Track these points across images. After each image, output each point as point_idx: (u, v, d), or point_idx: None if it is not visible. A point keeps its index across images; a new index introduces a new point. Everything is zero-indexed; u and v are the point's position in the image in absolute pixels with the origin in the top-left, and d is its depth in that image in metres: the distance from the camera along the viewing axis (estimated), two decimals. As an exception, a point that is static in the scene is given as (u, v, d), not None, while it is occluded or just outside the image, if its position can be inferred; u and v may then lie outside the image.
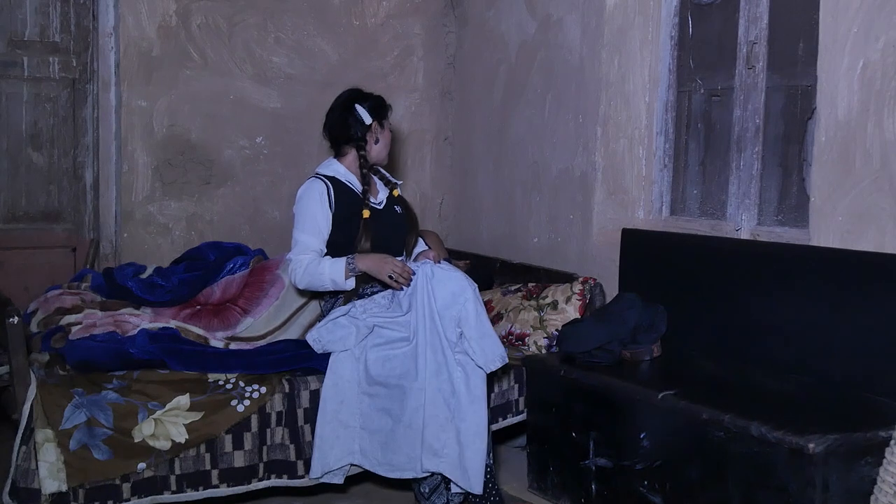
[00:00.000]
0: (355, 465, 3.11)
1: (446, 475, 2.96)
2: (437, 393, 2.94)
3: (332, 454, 3.04)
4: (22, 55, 4.31)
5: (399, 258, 3.21)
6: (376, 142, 3.30)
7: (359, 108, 3.26)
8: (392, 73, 4.90)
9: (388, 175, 3.47)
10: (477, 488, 2.95)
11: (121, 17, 4.32)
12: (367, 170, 3.27)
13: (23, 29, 4.32)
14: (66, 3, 4.37)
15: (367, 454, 3.05)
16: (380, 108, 3.32)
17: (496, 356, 2.97)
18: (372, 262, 3.11)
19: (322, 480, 3.09)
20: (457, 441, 2.94)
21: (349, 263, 3.11)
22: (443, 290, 2.99)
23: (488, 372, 2.98)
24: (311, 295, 3.46)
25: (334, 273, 3.11)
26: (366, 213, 3.19)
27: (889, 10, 2.76)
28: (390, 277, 3.08)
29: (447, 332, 2.96)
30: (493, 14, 4.60)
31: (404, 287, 3.08)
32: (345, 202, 3.21)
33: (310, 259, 3.14)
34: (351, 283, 3.13)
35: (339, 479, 3.10)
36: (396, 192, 3.41)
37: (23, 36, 4.31)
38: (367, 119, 3.26)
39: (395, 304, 3.12)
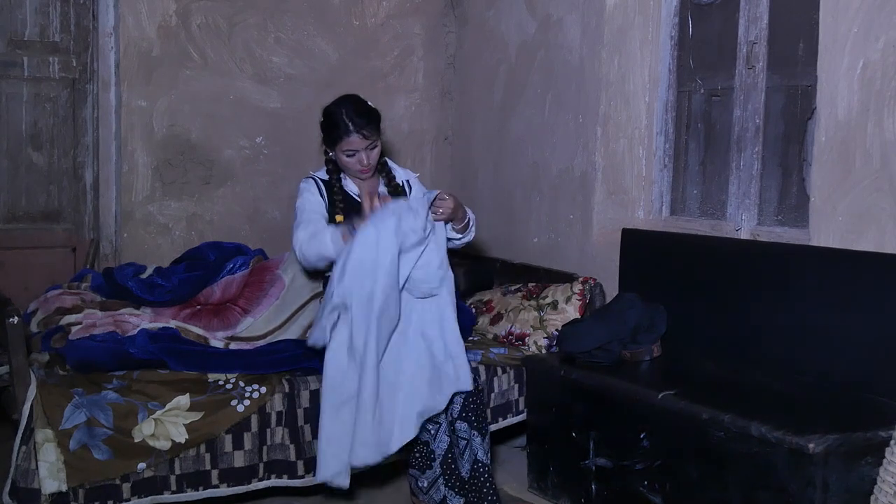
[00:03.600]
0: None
1: (456, 390, 2.92)
2: (416, 350, 2.91)
3: (334, 453, 3.02)
4: (22, 55, 4.31)
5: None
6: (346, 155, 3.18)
7: (323, 122, 3.22)
8: (392, 73, 4.90)
9: (402, 178, 3.37)
10: (468, 384, 2.93)
11: (121, 17, 4.31)
12: (337, 175, 3.24)
13: (23, 29, 4.31)
14: (66, 3, 4.36)
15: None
16: (331, 130, 3.17)
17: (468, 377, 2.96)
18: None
19: (331, 483, 3.05)
20: (452, 366, 2.93)
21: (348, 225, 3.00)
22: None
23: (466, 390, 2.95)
24: (312, 293, 3.45)
25: (335, 235, 3.00)
26: (339, 218, 3.16)
27: (889, 10, 2.76)
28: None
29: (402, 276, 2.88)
30: (493, 14, 4.60)
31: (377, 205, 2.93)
32: (331, 202, 3.23)
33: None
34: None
35: (344, 482, 3.05)
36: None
37: (23, 36, 4.31)
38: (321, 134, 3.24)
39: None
